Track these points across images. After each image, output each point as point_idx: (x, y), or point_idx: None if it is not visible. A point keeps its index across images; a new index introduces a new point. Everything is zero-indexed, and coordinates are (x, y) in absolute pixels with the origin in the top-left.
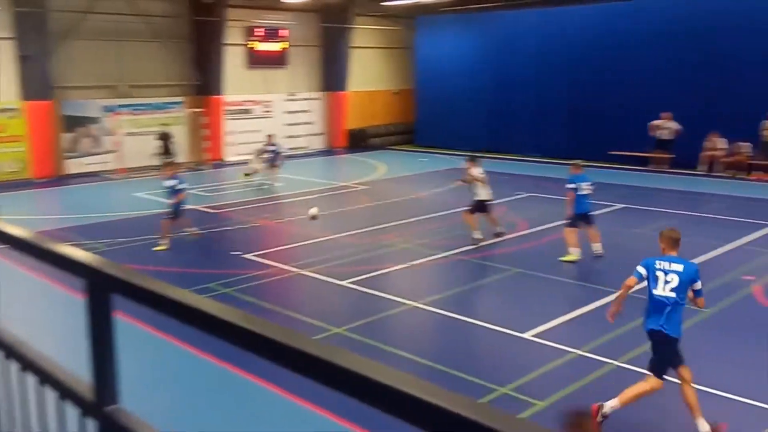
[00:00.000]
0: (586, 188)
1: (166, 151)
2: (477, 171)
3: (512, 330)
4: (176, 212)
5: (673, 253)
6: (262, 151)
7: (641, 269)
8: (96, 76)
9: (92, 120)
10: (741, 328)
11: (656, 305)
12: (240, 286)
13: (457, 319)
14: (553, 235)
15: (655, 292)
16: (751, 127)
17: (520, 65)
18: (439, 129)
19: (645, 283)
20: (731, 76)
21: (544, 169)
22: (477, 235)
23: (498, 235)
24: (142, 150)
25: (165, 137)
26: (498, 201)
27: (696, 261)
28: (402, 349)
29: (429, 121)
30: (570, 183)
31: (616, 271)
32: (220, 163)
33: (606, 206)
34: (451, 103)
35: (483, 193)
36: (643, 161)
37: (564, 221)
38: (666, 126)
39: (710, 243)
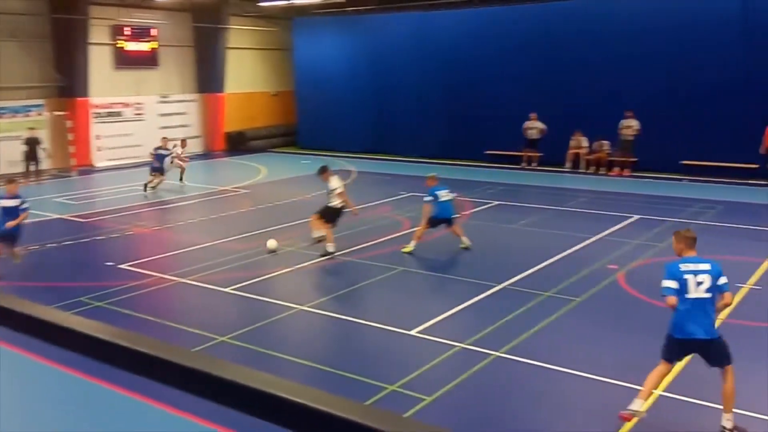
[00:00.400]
0: (445, 195)
1: (33, 158)
2: (335, 181)
3: (399, 328)
4: (12, 235)
5: (693, 253)
6: (152, 155)
7: (671, 283)
8: None
9: None
10: (608, 313)
11: (693, 309)
12: (115, 299)
13: (345, 320)
14: (435, 234)
15: (689, 296)
16: (611, 126)
17: (399, 68)
18: (321, 131)
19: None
20: (592, 79)
21: (425, 169)
22: (325, 244)
23: (318, 240)
24: (1, 156)
25: (33, 142)
26: (381, 201)
27: (564, 253)
28: (289, 353)
29: (310, 123)
30: (428, 196)
31: (494, 265)
32: (88, 169)
33: (482, 203)
34: (332, 104)
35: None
36: (516, 160)
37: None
38: (533, 126)
39: (577, 235)
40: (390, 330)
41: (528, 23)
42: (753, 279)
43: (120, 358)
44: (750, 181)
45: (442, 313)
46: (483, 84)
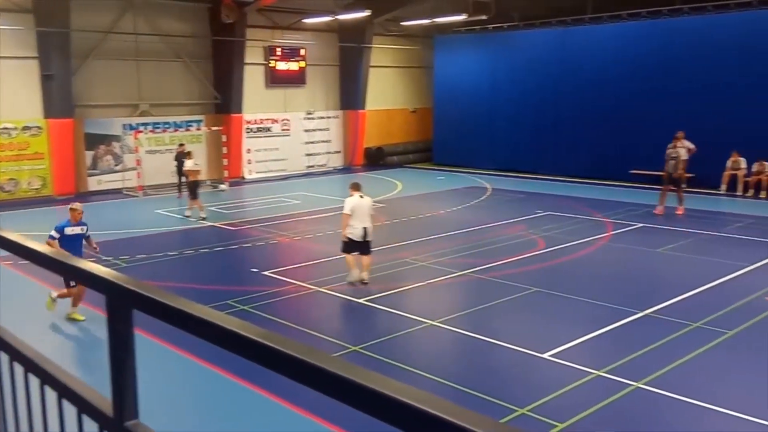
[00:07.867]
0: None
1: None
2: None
3: (531, 350)
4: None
5: None
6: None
7: None
8: (117, 94)
9: (114, 138)
10: (765, 349)
11: None
12: (258, 303)
13: (475, 338)
14: (573, 254)
15: None
16: None
17: (539, 84)
18: (458, 147)
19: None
20: (752, 96)
21: (562, 188)
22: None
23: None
24: (162, 168)
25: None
26: (516, 219)
27: (715, 282)
28: (418, 367)
29: (447, 139)
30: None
31: (636, 291)
32: (238, 181)
33: (625, 225)
34: (469, 121)
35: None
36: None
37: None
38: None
39: (731, 263)
40: (522, 351)
41: (674, 38)
42: None
43: (268, 359)
44: None
45: (578, 337)
46: (629, 100)
